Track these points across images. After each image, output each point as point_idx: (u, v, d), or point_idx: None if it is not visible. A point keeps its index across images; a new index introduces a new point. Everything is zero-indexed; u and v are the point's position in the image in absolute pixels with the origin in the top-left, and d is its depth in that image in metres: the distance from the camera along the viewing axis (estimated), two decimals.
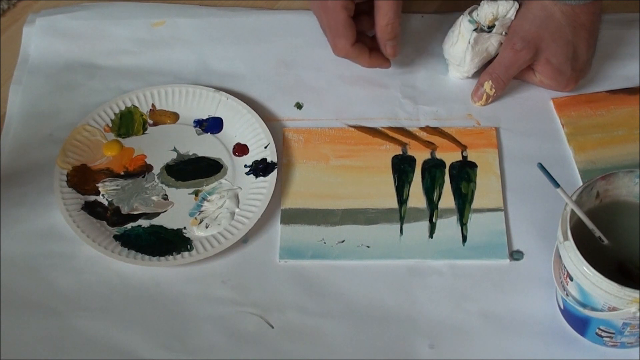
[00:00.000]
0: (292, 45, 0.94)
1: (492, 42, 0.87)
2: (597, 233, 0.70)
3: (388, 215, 0.81)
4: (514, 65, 0.86)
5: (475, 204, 0.82)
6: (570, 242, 0.67)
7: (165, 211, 0.82)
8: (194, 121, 0.88)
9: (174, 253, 0.78)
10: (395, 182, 0.83)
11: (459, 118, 0.88)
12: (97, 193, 0.83)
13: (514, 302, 0.76)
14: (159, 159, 0.85)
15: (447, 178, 0.83)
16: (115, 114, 0.88)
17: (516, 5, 0.85)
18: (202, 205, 0.82)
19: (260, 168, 0.84)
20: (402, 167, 0.84)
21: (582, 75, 0.88)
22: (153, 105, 0.89)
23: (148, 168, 0.85)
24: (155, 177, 0.84)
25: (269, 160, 0.84)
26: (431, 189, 0.83)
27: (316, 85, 0.91)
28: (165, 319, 0.76)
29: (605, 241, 0.70)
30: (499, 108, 0.89)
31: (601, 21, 0.88)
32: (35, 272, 0.78)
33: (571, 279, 0.68)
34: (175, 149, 0.86)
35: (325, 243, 0.80)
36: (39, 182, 0.83)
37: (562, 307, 0.74)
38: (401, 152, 0.85)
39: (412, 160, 0.85)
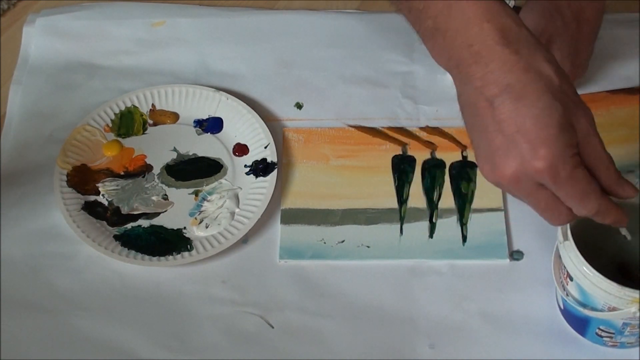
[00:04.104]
0: (292, 45, 0.94)
1: None
2: (624, 232, 0.69)
3: (388, 215, 0.81)
4: None
5: (475, 204, 0.82)
6: (570, 242, 0.67)
7: (165, 211, 0.82)
8: (194, 121, 0.88)
9: (174, 253, 0.78)
10: (395, 182, 0.83)
11: (459, 118, 0.85)
12: (97, 193, 0.83)
13: (514, 302, 0.76)
14: (159, 159, 0.85)
15: (447, 178, 0.83)
16: (115, 114, 0.88)
17: (512, 3, 0.85)
18: (202, 205, 0.82)
19: (260, 168, 0.84)
20: (402, 167, 0.84)
21: (579, 74, 0.87)
22: (153, 105, 0.89)
23: (148, 168, 0.85)
24: (155, 177, 0.84)
25: (269, 160, 0.84)
26: (431, 189, 0.83)
27: (316, 85, 0.91)
28: (165, 319, 0.76)
29: (629, 237, 0.69)
30: None
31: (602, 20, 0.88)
32: (35, 272, 0.78)
33: (571, 279, 0.68)
34: (175, 149, 0.86)
35: (325, 243, 0.80)
36: (39, 182, 0.83)
37: (562, 307, 0.74)
38: (401, 152, 0.85)
39: (412, 160, 0.85)
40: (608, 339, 0.72)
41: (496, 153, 0.62)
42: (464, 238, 0.80)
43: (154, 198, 0.83)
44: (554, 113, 0.60)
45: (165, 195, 0.83)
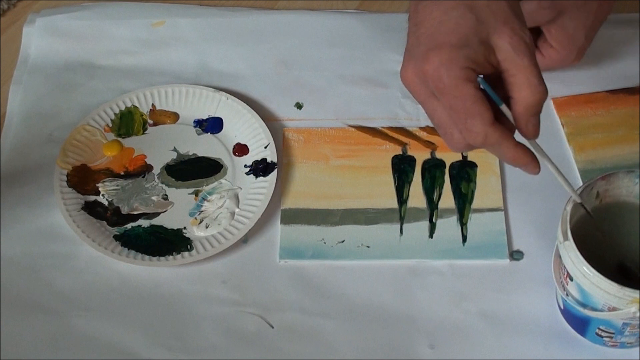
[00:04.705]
0: (292, 45, 0.94)
1: None
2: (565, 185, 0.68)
3: (388, 215, 0.81)
4: (529, 20, 0.74)
5: (475, 204, 0.82)
6: (570, 242, 0.67)
7: (165, 211, 0.82)
8: (194, 121, 0.88)
9: (174, 253, 0.78)
10: (395, 182, 0.83)
11: None
12: (97, 193, 0.83)
13: (514, 302, 0.76)
14: (159, 159, 0.85)
15: (447, 178, 0.83)
16: (115, 114, 0.88)
17: None
18: (202, 205, 0.82)
19: (260, 168, 0.84)
20: (402, 167, 0.84)
21: (583, 52, 0.84)
22: (153, 105, 0.89)
23: (148, 168, 0.85)
24: (155, 177, 0.84)
25: (269, 160, 0.84)
26: (431, 188, 0.83)
27: (316, 85, 0.91)
28: (165, 319, 0.76)
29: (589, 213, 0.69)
30: None
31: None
32: (35, 272, 0.78)
33: (571, 279, 0.68)
34: (175, 149, 0.86)
35: (325, 243, 0.80)
36: (39, 182, 0.83)
37: (562, 307, 0.74)
38: (401, 152, 0.85)
39: (412, 160, 0.85)
40: (608, 339, 0.72)
41: (405, 54, 0.62)
42: (464, 238, 0.80)
43: (154, 198, 0.83)
44: (463, 23, 0.60)
45: (165, 195, 0.83)
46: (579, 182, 0.82)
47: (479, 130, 0.61)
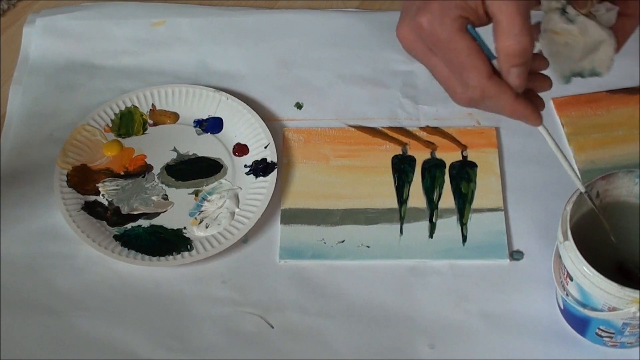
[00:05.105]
0: (292, 45, 0.94)
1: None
2: (579, 184, 0.68)
3: (388, 215, 0.81)
4: None
5: (475, 204, 0.82)
6: (570, 242, 0.67)
7: (165, 211, 0.82)
8: (194, 121, 0.88)
9: (174, 253, 0.78)
10: (395, 182, 0.83)
11: (459, 118, 0.88)
12: (97, 193, 0.83)
13: (514, 302, 0.76)
14: (159, 159, 0.85)
15: (447, 178, 0.83)
16: (115, 114, 0.88)
17: None
18: (202, 205, 0.82)
19: (260, 168, 0.84)
20: (402, 167, 0.84)
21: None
22: (153, 105, 0.89)
23: (148, 168, 0.85)
24: (155, 177, 0.84)
25: (269, 160, 0.84)
26: (431, 188, 0.83)
27: (316, 85, 0.91)
28: (165, 319, 0.76)
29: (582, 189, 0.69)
30: None
31: None
32: (36, 272, 0.78)
33: (571, 279, 0.68)
34: (175, 149, 0.86)
35: (325, 243, 0.80)
36: (39, 182, 0.83)
37: (562, 307, 0.74)
38: (401, 152, 0.85)
39: (412, 160, 0.85)
40: (608, 339, 0.72)
41: (401, 13, 0.62)
42: (464, 238, 0.80)
43: (154, 198, 0.83)
44: None
45: (165, 195, 0.83)
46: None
47: (475, 84, 0.60)
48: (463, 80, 0.61)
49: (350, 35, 0.94)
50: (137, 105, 0.88)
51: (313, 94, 0.90)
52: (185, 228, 0.81)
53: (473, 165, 0.84)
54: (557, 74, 0.66)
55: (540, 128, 0.64)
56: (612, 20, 0.66)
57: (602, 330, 0.71)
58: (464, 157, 0.85)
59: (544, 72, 0.65)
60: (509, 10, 0.59)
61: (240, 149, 0.86)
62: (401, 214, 0.81)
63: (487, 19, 0.60)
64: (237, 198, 0.82)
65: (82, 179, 0.83)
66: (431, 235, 0.80)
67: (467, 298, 0.76)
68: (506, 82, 0.61)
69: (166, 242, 0.79)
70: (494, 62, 0.61)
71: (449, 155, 0.85)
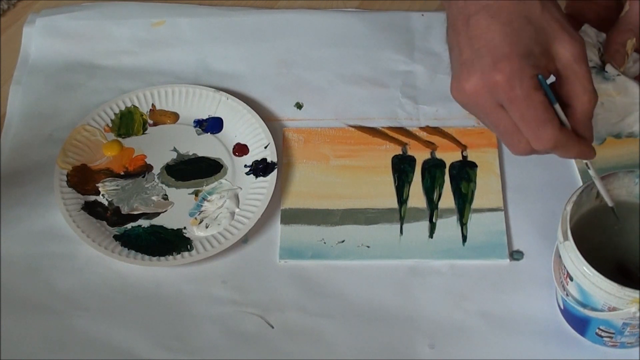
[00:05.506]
0: (292, 45, 0.94)
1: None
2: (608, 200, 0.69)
3: (388, 215, 0.81)
4: None
5: (475, 204, 0.82)
6: (570, 242, 0.67)
7: (165, 211, 0.82)
8: (194, 121, 0.88)
9: (174, 253, 0.78)
10: (395, 182, 0.83)
11: (459, 118, 0.88)
12: (97, 193, 0.83)
13: (514, 302, 0.76)
14: (159, 159, 0.85)
15: (447, 178, 0.83)
16: (115, 114, 0.88)
17: None
18: (202, 205, 0.82)
19: (260, 168, 0.84)
20: (402, 167, 0.84)
21: None
22: (153, 105, 0.89)
23: (148, 168, 0.85)
24: (155, 177, 0.84)
25: (269, 160, 0.84)
26: (431, 188, 0.83)
27: (316, 85, 0.91)
28: (165, 319, 0.76)
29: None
30: None
31: None
32: (35, 272, 0.78)
33: (571, 279, 0.68)
34: (175, 149, 0.86)
35: (325, 243, 0.80)
36: (39, 182, 0.83)
37: (562, 307, 0.74)
38: (401, 152, 0.85)
39: (412, 160, 0.85)
40: (608, 339, 0.72)
41: (462, 67, 0.63)
42: (464, 238, 0.80)
43: (154, 198, 0.83)
44: (524, 35, 0.61)
45: (165, 195, 0.83)
46: (579, 182, 0.82)
47: (550, 137, 0.63)
48: (534, 134, 0.63)
49: (350, 35, 0.94)
50: (137, 105, 0.88)
51: (313, 94, 0.90)
52: (185, 228, 0.81)
53: (473, 165, 0.84)
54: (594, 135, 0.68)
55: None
56: (637, 72, 0.69)
57: (602, 330, 0.71)
58: (464, 157, 0.85)
59: None
60: (582, 72, 0.63)
61: (240, 149, 0.86)
62: (401, 214, 0.81)
63: (549, 75, 0.64)
64: (237, 198, 0.82)
65: (82, 179, 0.83)
66: (431, 235, 0.80)
67: (467, 298, 0.76)
68: (570, 131, 0.64)
69: (166, 242, 0.79)
70: (555, 106, 0.63)
71: (449, 155, 0.85)
